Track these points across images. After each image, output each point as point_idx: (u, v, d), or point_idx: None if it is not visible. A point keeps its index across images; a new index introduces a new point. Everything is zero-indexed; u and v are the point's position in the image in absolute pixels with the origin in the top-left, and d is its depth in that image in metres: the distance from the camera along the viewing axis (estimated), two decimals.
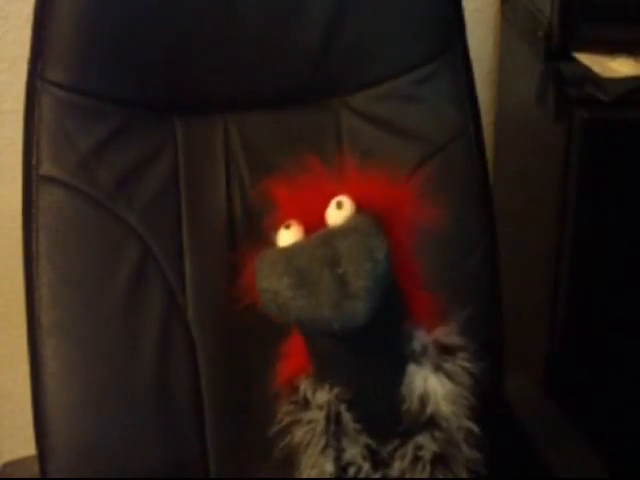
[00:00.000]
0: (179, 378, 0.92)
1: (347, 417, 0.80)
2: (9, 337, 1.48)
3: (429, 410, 0.80)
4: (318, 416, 0.81)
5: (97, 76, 0.92)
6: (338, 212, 0.78)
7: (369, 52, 0.97)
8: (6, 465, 1.01)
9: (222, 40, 0.94)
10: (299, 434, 0.82)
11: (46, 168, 0.91)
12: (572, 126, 1.16)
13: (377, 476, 0.81)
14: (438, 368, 0.81)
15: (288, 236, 0.80)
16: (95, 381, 0.90)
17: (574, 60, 1.21)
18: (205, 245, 0.94)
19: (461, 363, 0.82)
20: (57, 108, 0.91)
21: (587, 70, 1.18)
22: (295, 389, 0.83)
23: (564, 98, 1.19)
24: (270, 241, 0.82)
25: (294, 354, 0.85)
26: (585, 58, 1.21)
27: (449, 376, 0.81)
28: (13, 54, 1.35)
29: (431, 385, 0.80)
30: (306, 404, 0.82)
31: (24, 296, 0.91)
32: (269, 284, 0.77)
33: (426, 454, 0.80)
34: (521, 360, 1.33)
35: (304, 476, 0.82)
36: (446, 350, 0.82)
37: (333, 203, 0.78)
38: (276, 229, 0.81)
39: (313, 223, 0.79)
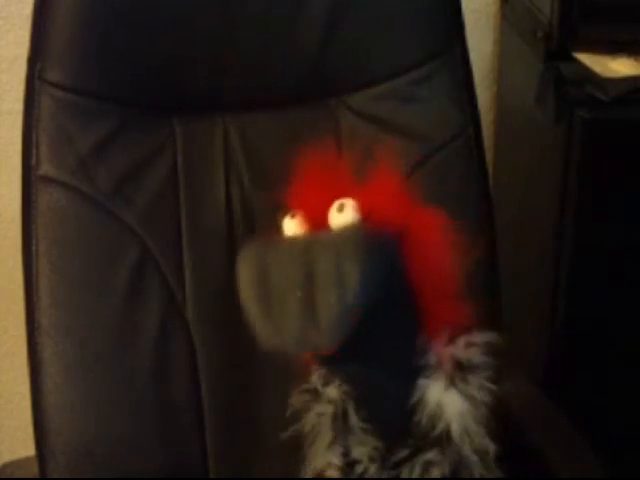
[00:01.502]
0: (178, 378, 0.92)
1: (354, 417, 0.79)
2: (9, 337, 1.48)
3: (440, 427, 0.78)
4: (327, 410, 0.80)
5: (96, 76, 0.92)
6: (339, 215, 0.76)
7: (368, 52, 0.97)
8: (6, 465, 1.01)
9: (222, 40, 0.94)
10: (309, 423, 0.81)
11: (45, 169, 0.91)
12: (572, 126, 1.16)
13: (386, 476, 0.79)
14: (451, 384, 0.78)
15: (291, 225, 0.79)
16: (94, 381, 0.90)
17: (574, 60, 1.21)
18: (204, 245, 0.94)
19: (478, 381, 0.79)
20: (56, 108, 0.91)
21: (587, 70, 1.18)
22: (310, 375, 0.82)
23: (564, 98, 1.19)
24: (277, 223, 0.81)
25: None
26: (585, 58, 1.21)
27: (464, 393, 0.78)
28: (13, 54, 1.35)
29: (443, 401, 0.78)
30: (316, 394, 0.81)
31: (24, 296, 0.91)
32: (243, 300, 0.75)
33: (433, 474, 0.78)
34: (521, 360, 1.33)
35: (311, 466, 0.81)
36: (462, 367, 0.79)
37: (336, 204, 0.77)
38: (286, 210, 0.80)
39: (317, 218, 0.78)
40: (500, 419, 0.80)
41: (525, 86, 1.33)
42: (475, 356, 0.79)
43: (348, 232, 0.75)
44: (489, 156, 1.53)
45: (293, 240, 0.78)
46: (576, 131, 1.16)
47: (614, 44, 1.22)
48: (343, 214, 0.76)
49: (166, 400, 0.91)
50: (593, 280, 1.22)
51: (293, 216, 0.79)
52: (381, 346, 0.78)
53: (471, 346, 0.79)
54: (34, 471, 0.92)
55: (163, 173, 0.94)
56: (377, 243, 0.75)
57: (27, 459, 0.96)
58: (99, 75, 0.92)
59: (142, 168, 0.93)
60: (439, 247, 0.78)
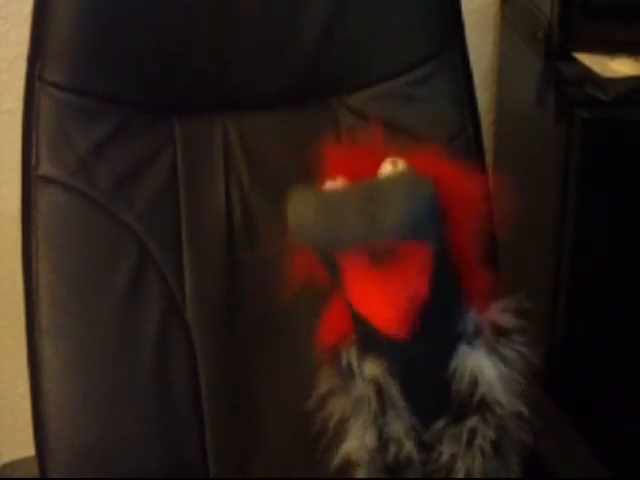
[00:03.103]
0: (178, 378, 0.92)
1: (396, 393, 0.78)
2: (9, 337, 1.48)
3: (480, 393, 0.77)
4: (366, 389, 0.78)
5: (96, 76, 0.92)
6: (393, 169, 0.74)
7: (368, 52, 0.97)
8: (6, 466, 1.01)
9: (221, 41, 0.94)
10: (342, 404, 0.80)
11: (45, 168, 0.91)
12: (572, 126, 1.16)
13: (419, 456, 0.78)
14: (492, 350, 0.78)
15: (333, 186, 0.76)
16: (94, 382, 0.90)
17: (574, 60, 1.21)
18: (204, 246, 0.94)
19: (515, 346, 0.79)
20: (56, 108, 0.91)
21: (587, 70, 1.18)
22: (337, 357, 0.80)
23: (564, 98, 1.19)
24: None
25: (337, 319, 0.81)
26: (585, 58, 1.21)
27: (503, 359, 0.78)
28: (13, 54, 1.35)
29: (484, 368, 0.77)
30: (350, 374, 0.79)
31: (23, 296, 0.91)
32: (301, 222, 0.73)
33: (482, 441, 0.78)
34: None
35: (341, 451, 0.80)
36: (500, 331, 0.79)
37: (388, 160, 0.74)
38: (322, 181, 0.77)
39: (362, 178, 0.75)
40: (531, 383, 0.80)
41: (525, 86, 1.33)
42: (510, 321, 0.80)
43: (410, 174, 0.74)
44: (489, 156, 1.53)
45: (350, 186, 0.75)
46: (576, 131, 1.16)
47: (614, 44, 1.22)
48: (397, 167, 0.74)
49: (166, 400, 0.91)
50: (593, 280, 1.22)
51: (334, 179, 0.76)
52: (426, 311, 0.76)
53: (505, 311, 0.80)
54: (34, 472, 0.92)
55: (163, 173, 0.94)
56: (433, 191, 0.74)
57: (27, 460, 0.96)
58: (99, 75, 0.92)
59: (142, 168, 0.93)
60: (477, 213, 0.78)
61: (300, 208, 0.75)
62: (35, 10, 0.91)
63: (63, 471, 0.90)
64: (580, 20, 1.21)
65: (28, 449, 0.94)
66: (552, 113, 1.22)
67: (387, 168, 0.74)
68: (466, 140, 0.99)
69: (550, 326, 1.26)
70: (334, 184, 0.76)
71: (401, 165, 0.74)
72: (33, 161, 0.91)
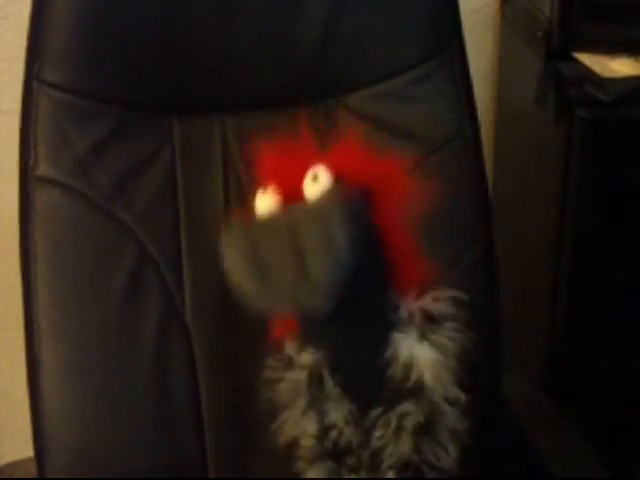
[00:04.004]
0: (177, 380, 0.92)
1: (329, 380, 0.81)
2: (9, 337, 1.48)
3: (413, 377, 0.79)
4: (301, 376, 0.81)
5: (94, 77, 0.91)
6: (313, 185, 0.78)
7: (366, 52, 0.96)
8: (7, 466, 1.01)
9: (220, 41, 0.94)
10: (281, 391, 0.83)
11: (43, 169, 0.90)
12: (572, 126, 1.16)
13: (357, 440, 0.81)
14: (423, 337, 0.80)
15: (263, 200, 0.79)
16: (93, 383, 0.90)
17: (574, 60, 1.21)
18: (203, 247, 0.94)
19: (448, 333, 0.81)
20: (54, 109, 0.91)
21: (587, 70, 1.18)
22: (281, 348, 0.83)
23: (564, 98, 1.19)
24: (249, 201, 0.81)
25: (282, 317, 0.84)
26: (585, 58, 1.21)
27: (435, 345, 0.80)
28: (13, 54, 1.35)
29: (416, 353, 0.79)
30: (290, 363, 0.83)
31: (22, 297, 0.91)
32: (234, 277, 0.76)
33: (409, 424, 0.79)
34: (521, 360, 1.33)
35: (284, 435, 0.83)
36: (433, 319, 0.81)
37: (309, 174, 0.78)
38: (256, 188, 0.81)
39: (290, 190, 0.79)
40: (468, 369, 0.81)
41: (525, 86, 1.33)
42: (443, 309, 0.81)
43: (327, 200, 0.77)
44: (489, 156, 1.54)
45: (274, 216, 0.79)
46: (576, 131, 1.16)
47: (614, 44, 1.22)
48: (318, 183, 0.78)
49: (165, 401, 0.91)
50: (593, 280, 1.22)
51: (265, 190, 0.80)
52: (355, 305, 0.78)
53: (438, 300, 0.82)
54: (33, 472, 0.92)
55: (161, 174, 0.94)
56: (353, 204, 0.77)
57: (27, 460, 0.96)
58: (97, 76, 0.91)
59: (140, 169, 0.93)
60: (404, 200, 0.79)
61: (233, 262, 0.77)
62: (33, 10, 0.90)
63: (61, 472, 0.90)
64: (580, 20, 1.21)
65: (29, 449, 0.94)
66: (552, 113, 1.22)
67: (308, 185, 0.77)
68: (464, 141, 0.98)
69: (550, 326, 1.27)
70: (264, 198, 0.79)
71: (322, 177, 0.77)
72: (31, 162, 0.90)
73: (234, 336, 0.93)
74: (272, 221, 0.79)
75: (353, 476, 0.81)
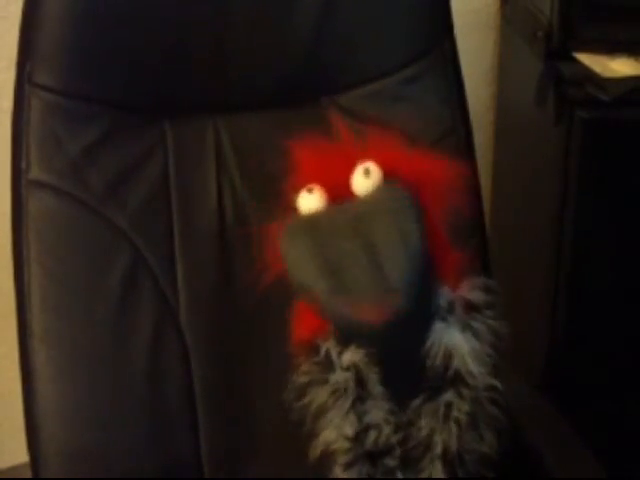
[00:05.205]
0: (172, 382, 0.92)
1: (374, 380, 0.80)
2: (9, 337, 1.48)
3: (454, 366, 0.79)
4: (345, 378, 0.80)
5: (86, 79, 0.91)
6: (365, 180, 0.77)
7: (358, 51, 0.96)
8: (8, 470, 1.00)
9: (211, 44, 0.93)
10: (322, 395, 0.81)
11: (35, 172, 0.90)
12: (572, 126, 1.16)
13: (397, 437, 0.80)
14: (465, 326, 0.81)
15: (310, 200, 0.79)
16: (87, 385, 0.90)
17: (574, 60, 1.21)
18: (197, 249, 0.93)
19: (486, 321, 0.82)
20: (46, 112, 0.90)
21: (587, 70, 1.18)
22: (315, 349, 0.82)
23: (564, 98, 1.19)
24: (290, 205, 0.80)
25: (307, 314, 0.83)
26: (585, 58, 1.21)
27: (475, 334, 0.81)
28: (13, 54, 1.34)
29: (457, 342, 0.80)
30: (329, 365, 0.81)
31: (15, 301, 0.91)
32: (302, 278, 0.76)
33: (458, 414, 0.80)
34: (521, 359, 1.32)
35: (320, 440, 0.81)
36: (472, 307, 0.82)
37: (360, 169, 0.77)
38: (296, 192, 0.80)
39: (336, 188, 0.78)
40: (501, 356, 0.83)
41: (525, 86, 1.33)
42: (480, 296, 0.83)
43: (388, 191, 0.76)
44: (489, 156, 1.54)
45: (338, 213, 0.78)
46: (576, 131, 1.16)
47: (614, 44, 1.22)
48: (370, 178, 0.77)
49: (160, 402, 0.91)
50: (593, 280, 1.22)
51: (310, 191, 0.78)
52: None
53: (474, 288, 0.83)
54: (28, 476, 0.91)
55: (154, 175, 0.93)
56: (414, 198, 0.77)
57: (24, 465, 0.95)
58: (89, 78, 0.91)
59: (133, 171, 0.92)
60: (448, 196, 0.80)
61: (301, 263, 0.77)
62: (24, 12, 0.90)
63: (56, 475, 0.90)
64: (580, 20, 1.21)
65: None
66: (552, 113, 1.22)
67: (359, 180, 0.77)
68: (456, 139, 0.98)
69: (550, 326, 1.26)
70: (311, 198, 0.79)
71: (374, 172, 0.77)
72: (23, 165, 0.90)
73: (231, 336, 0.93)
74: (338, 220, 0.77)
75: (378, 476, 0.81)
